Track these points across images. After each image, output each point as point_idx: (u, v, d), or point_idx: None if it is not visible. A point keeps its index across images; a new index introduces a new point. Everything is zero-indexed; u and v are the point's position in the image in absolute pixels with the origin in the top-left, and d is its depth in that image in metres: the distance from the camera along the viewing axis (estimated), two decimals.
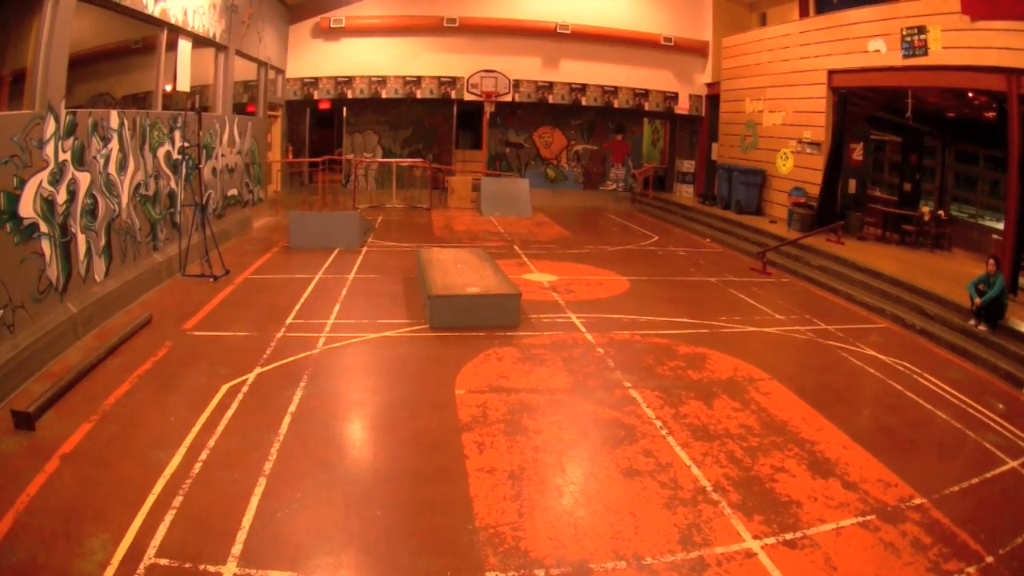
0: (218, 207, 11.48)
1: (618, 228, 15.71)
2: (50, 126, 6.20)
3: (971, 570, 3.92)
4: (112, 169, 7.44)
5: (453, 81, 18.17)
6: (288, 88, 17.66)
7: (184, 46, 9.62)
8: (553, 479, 4.54)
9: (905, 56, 10.94)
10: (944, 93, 11.07)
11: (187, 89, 10.01)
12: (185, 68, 9.73)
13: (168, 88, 9.67)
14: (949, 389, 6.33)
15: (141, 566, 3.65)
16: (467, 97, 17.80)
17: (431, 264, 8.69)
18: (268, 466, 4.50)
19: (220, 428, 4.95)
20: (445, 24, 17.54)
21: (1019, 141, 8.78)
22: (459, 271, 8.40)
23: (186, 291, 8.42)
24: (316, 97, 17.91)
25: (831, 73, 13.09)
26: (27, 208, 5.81)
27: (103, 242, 7.21)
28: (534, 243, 12.79)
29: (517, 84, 18.26)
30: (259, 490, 4.25)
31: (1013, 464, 4.97)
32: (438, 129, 19.58)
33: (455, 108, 19.20)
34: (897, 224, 12.34)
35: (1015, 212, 8.81)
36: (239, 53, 12.69)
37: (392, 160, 18.23)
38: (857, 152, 13.45)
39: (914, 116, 11.75)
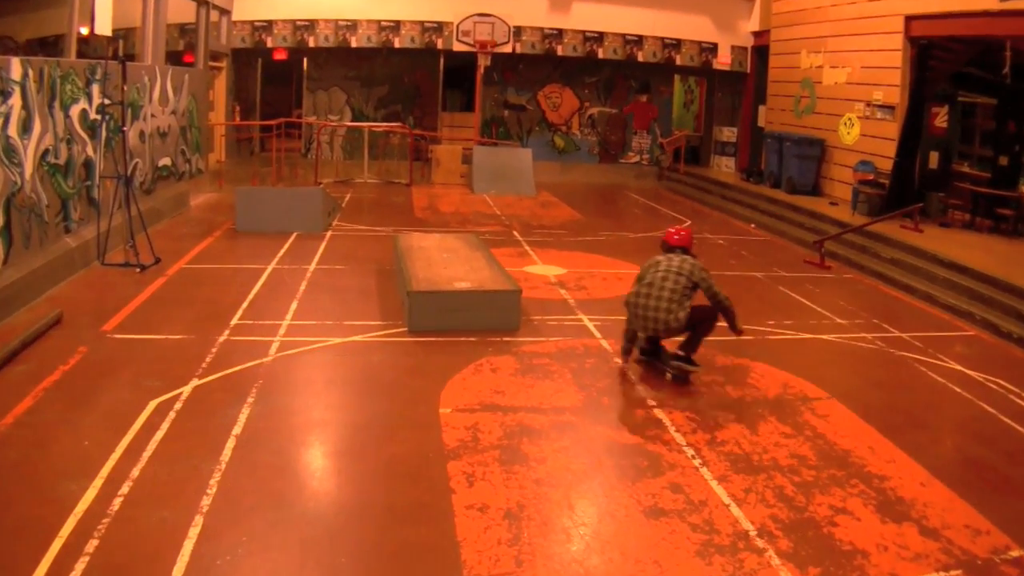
0: (147, 180, 11.48)
1: (642, 210, 15.72)
2: None
3: None
4: (12, 131, 7.42)
5: (440, 27, 18.16)
6: (235, 34, 17.63)
7: None
8: (559, 519, 4.53)
9: None
10: None
11: (108, 33, 9.99)
12: (105, 6, 9.70)
13: (84, 31, 9.65)
14: None
15: None
16: (457, 47, 17.77)
17: (411, 253, 8.70)
18: (206, 502, 4.48)
19: (146, 454, 4.93)
20: None
21: None
22: (445, 262, 8.42)
23: (106, 283, 8.40)
24: (270, 45, 17.91)
25: (909, 19, 13.08)
26: None
27: (0, 222, 7.19)
28: (538, 228, 12.80)
29: (518, 32, 18.25)
30: (194, 531, 4.24)
31: None
32: (421, 87, 19.57)
33: (442, 61, 19.20)
34: (990, 207, 12.34)
35: None
36: None
37: (364, 124, 18.23)
38: (940, 118, 13.45)
39: (1013, 73, 11.73)
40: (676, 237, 6.74)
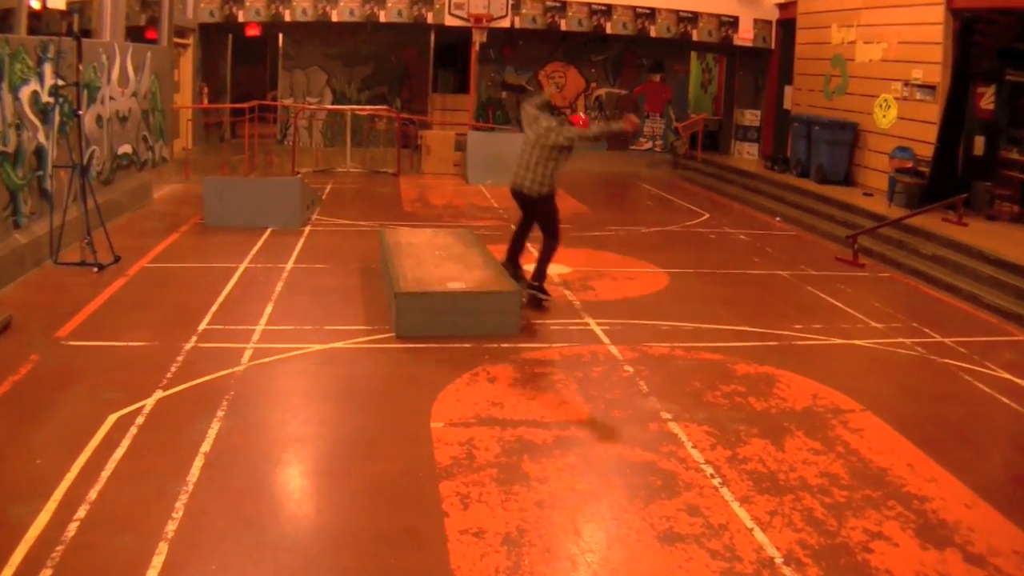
0: (105, 170, 11.49)
1: (655, 202, 15.73)
2: None
3: None
4: None
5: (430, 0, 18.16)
6: (202, 7, 17.63)
7: None
8: (563, 545, 4.53)
9: None
10: None
11: (62, 7, 9.99)
12: None
13: (36, 4, 9.65)
14: None
15: None
16: (449, 22, 17.78)
17: (399, 250, 8.71)
18: (171, 527, 4.48)
19: (105, 474, 4.92)
20: None
21: None
22: (437, 260, 8.44)
23: (60, 285, 8.40)
24: (241, 20, 17.90)
25: None
26: None
27: None
28: None
29: (517, 4, 18.25)
30: (158, 560, 4.23)
31: None
32: (409, 66, 19.58)
33: (432, 37, 19.21)
34: None
35: None
36: None
37: (346, 108, 18.24)
38: (986, 99, 13.46)
39: None
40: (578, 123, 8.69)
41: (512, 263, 8.39)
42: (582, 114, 9.31)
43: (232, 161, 16.13)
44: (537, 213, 8.20)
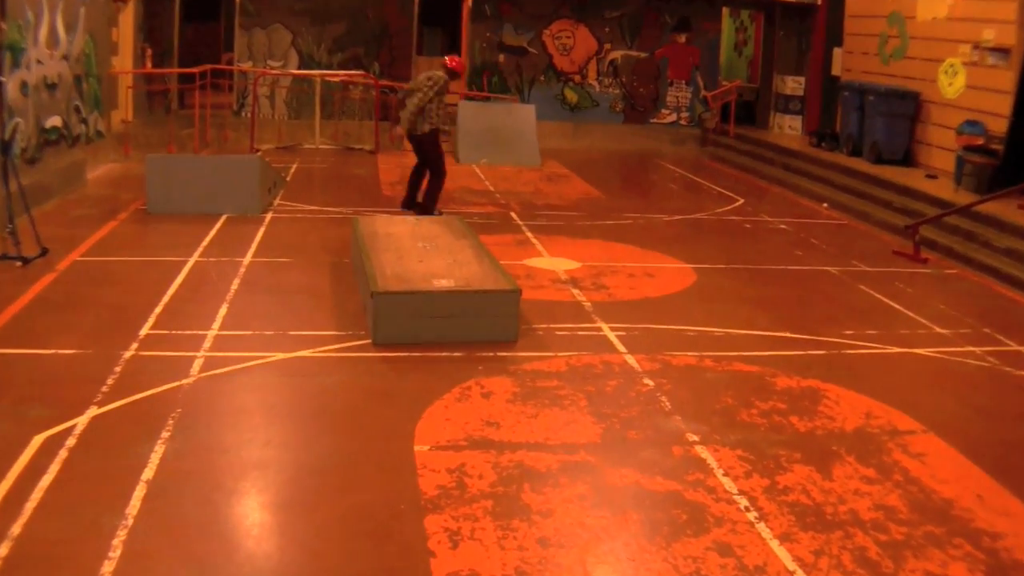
0: (30, 147, 11.45)
1: (680, 185, 15.73)
2: None
3: None
4: None
5: None
6: None
7: None
8: None
9: None
10: None
11: None
12: None
13: None
14: None
15: None
16: None
17: (377, 242, 8.73)
18: (108, 567, 4.46)
19: (30, 505, 4.90)
20: None
21: None
22: (421, 254, 8.45)
23: None
24: None
25: None
26: None
27: None
28: (544, 209, 12.83)
29: None
30: None
31: None
32: (389, 24, 19.54)
33: None
34: None
35: None
36: None
37: (315, 73, 18.20)
38: None
39: None
40: (452, 63, 11.56)
41: (409, 200, 11.71)
42: (457, 56, 12.04)
43: (180, 136, 16.08)
44: (423, 151, 11.56)
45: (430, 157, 11.48)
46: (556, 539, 4.86)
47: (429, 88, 11.16)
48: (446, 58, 11.68)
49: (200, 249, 9.83)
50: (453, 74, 11.59)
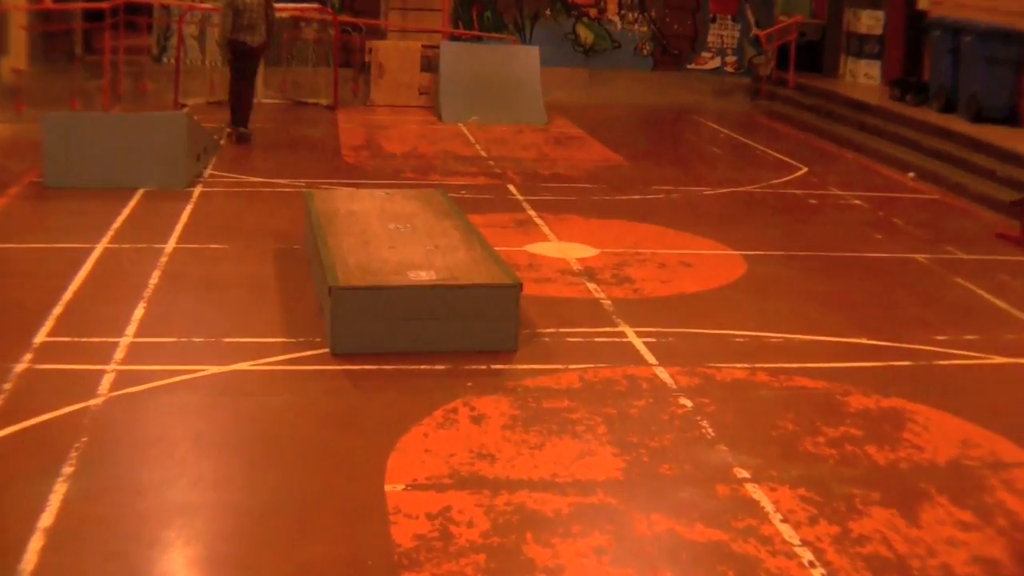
0: None
1: (725, 149, 15.78)
2: None
3: None
4: None
5: None
6: None
7: None
8: None
9: None
10: None
11: None
12: None
13: None
14: None
15: None
16: None
17: (337, 223, 8.74)
18: None
19: None
20: None
21: None
22: (394, 238, 8.44)
23: None
24: None
25: None
26: None
27: None
28: (551, 180, 12.83)
29: None
30: None
31: None
32: None
33: None
34: None
35: None
36: None
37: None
38: None
39: None
40: None
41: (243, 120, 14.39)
42: None
43: (86, 90, 16.03)
44: (258, 62, 14.81)
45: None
46: None
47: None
48: None
49: (110, 233, 9.78)
50: None
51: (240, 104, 14.43)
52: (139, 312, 7.92)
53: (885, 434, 6.58)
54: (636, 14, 20.24)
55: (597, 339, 7.87)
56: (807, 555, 5.23)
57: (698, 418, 6.66)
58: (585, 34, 20.14)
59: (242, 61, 14.31)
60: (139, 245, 9.50)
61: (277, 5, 18.41)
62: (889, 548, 5.34)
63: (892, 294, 9.41)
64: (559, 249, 10.02)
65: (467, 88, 16.49)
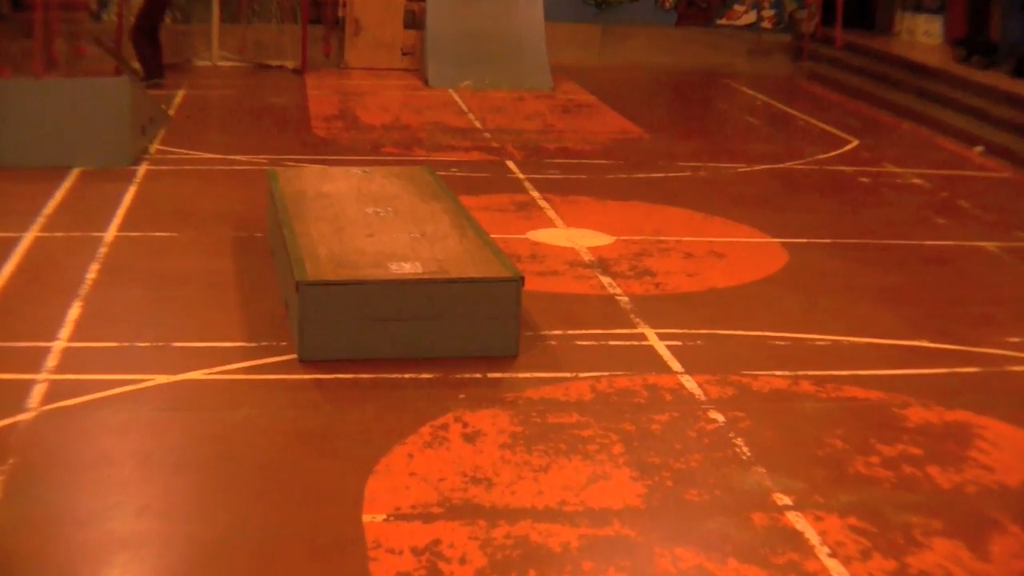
0: None
1: (762, 119, 15.88)
2: None
3: None
4: None
5: None
6: None
7: None
8: None
9: None
10: None
11: None
12: None
13: None
14: None
15: None
16: None
17: (306, 207, 8.61)
18: None
19: None
20: None
21: None
22: (373, 223, 8.28)
23: None
24: None
25: None
26: None
27: None
28: (558, 156, 12.79)
29: None
30: None
31: None
32: None
33: None
34: None
35: None
36: None
37: None
38: None
39: None
40: None
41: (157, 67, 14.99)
42: None
43: (12, 52, 15.97)
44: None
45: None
46: None
47: None
48: None
49: (41, 219, 9.60)
50: None
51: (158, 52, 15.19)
52: (75, 312, 7.73)
53: (949, 453, 6.40)
54: None
55: (612, 342, 7.70)
56: None
57: (731, 435, 6.46)
58: None
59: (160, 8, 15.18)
60: (74, 233, 9.34)
61: None
62: None
63: (957, 289, 9.28)
64: (567, 236, 9.83)
65: (458, 47, 16.33)
